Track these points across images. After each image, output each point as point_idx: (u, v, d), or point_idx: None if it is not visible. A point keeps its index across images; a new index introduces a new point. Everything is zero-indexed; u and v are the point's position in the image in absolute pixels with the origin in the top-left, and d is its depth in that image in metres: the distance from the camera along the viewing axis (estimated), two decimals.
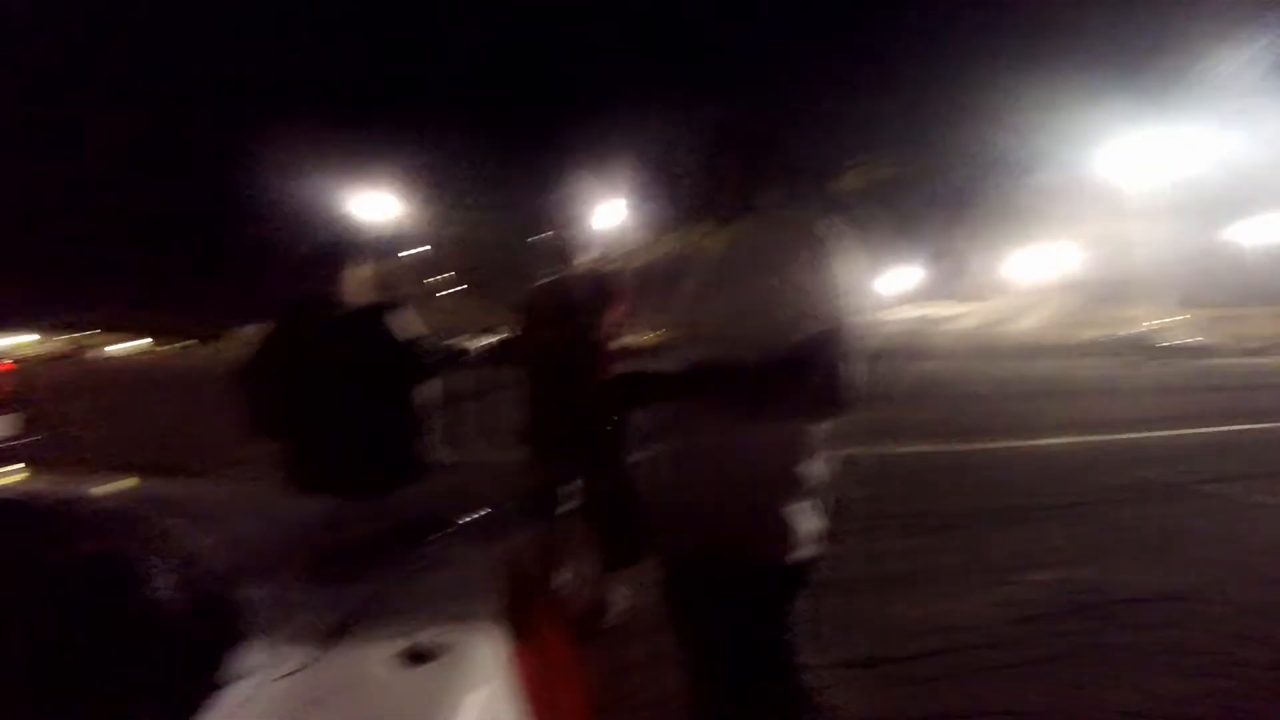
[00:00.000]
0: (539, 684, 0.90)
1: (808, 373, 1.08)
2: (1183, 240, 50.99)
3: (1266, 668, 2.26)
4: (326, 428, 2.17)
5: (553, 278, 2.73)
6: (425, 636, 0.86)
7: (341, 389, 2.17)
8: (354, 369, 2.19)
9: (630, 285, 2.83)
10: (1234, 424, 8.52)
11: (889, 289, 64.06)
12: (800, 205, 1.23)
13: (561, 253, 2.71)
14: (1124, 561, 3.41)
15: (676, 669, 1.33)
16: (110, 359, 64.43)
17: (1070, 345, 35.12)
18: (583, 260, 2.75)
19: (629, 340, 2.74)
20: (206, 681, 0.73)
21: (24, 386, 7.39)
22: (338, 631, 0.86)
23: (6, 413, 5.32)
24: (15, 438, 5.16)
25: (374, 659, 0.82)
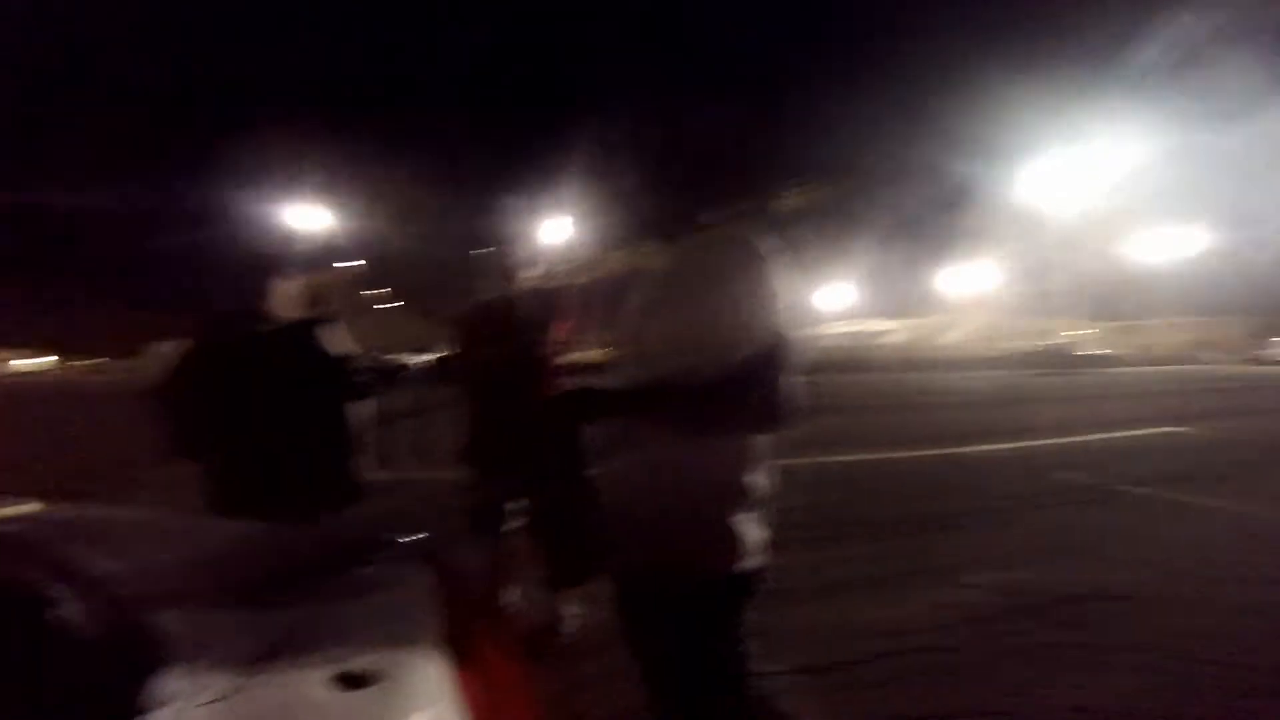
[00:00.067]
0: (485, 705, 0.86)
1: (751, 388, 1.10)
2: (1092, 257, 54.49)
3: (1197, 661, 2.36)
4: (252, 448, 2.06)
5: (494, 294, 2.68)
6: (360, 661, 0.81)
7: (268, 407, 2.07)
8: (282, 386, 2.09)
9: (574, 302, 2.81)
10: (1146, 429, 9.07)
11: (824, 306, 66.01)
12: (743, 224, 1.24)
13: (504, 268, 2.65)
14: (1056, 562, 3.55)
15: (630, 684, 1.31)
16: (10, 376, 59.91)
17: (993, 357, 36.85)
18: (526, 276, 2.71)
19: (573, 357, 2.71)
20: (119, 713, 0.67)
21: None
22: (264, 657, 0.80)
23: None
24: None
25: (304, 684, 0.76)
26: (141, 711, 0.68)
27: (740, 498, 1.18)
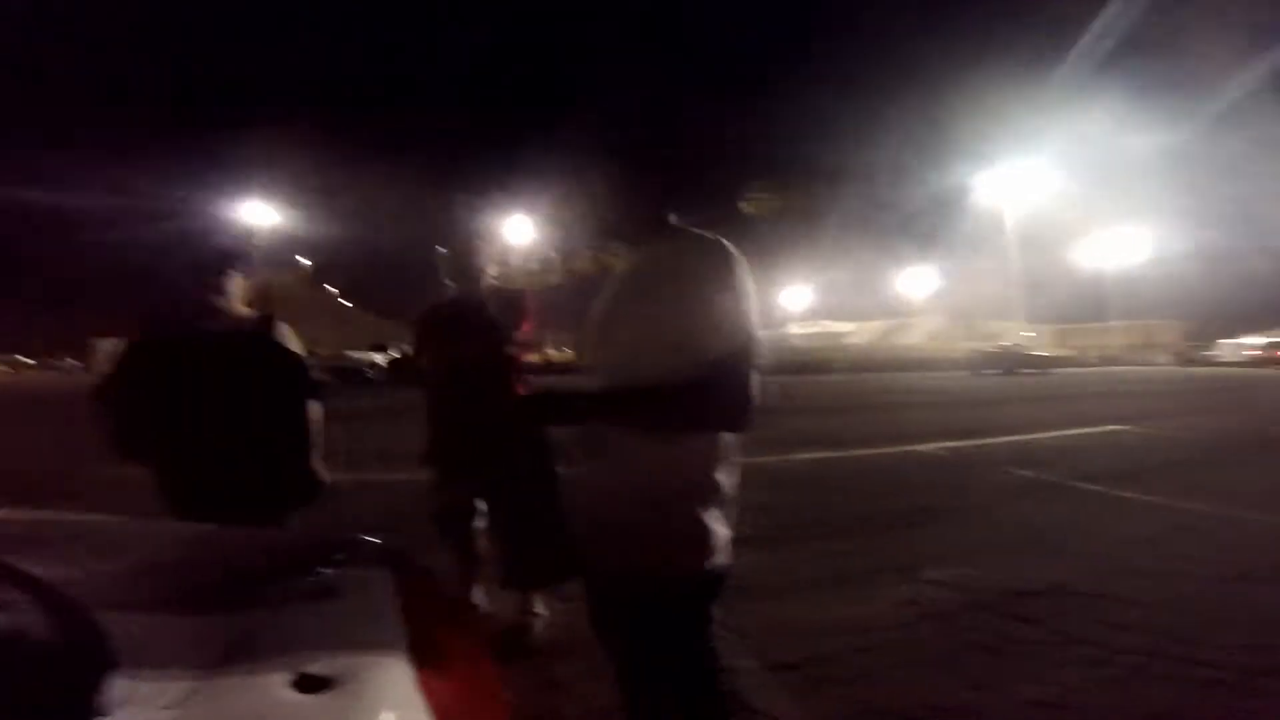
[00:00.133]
0: (451, 708, 0.84)
1: (719, 388, 1.10)
2: (1046, 261, 56.40)
3: (1148, 654, 2.43)
4: (204, 448, 1.99)
5: (459, 293, 2.63)
6: (321, 664, 0.78)
7: (219, 406, 2.00)
8: (233, 384, 2.02)
9: (540, 302, 2.78)
10: (1094, 427, 9.41)
11: (785, 307, 66.97)
12: (710, 227, 1.25)
13: (468, 267, 2.60)
14: (1012, 557, 3.64)
15: (603, 684, 1.31)
16: None
17: (950, 358, 37.82)
18: (491, 275, 2.67)
19: (540, 357, 2.69)
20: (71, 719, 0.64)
21: None
22: (221, 662, 0.77)
23: None
24: None
25: (263, 688, 0.73)
26: (98, 717, 0.65)
27: (709, 496, 1.19)
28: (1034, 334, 46.52)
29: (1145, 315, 56.12)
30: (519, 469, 2.50)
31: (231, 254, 2.16)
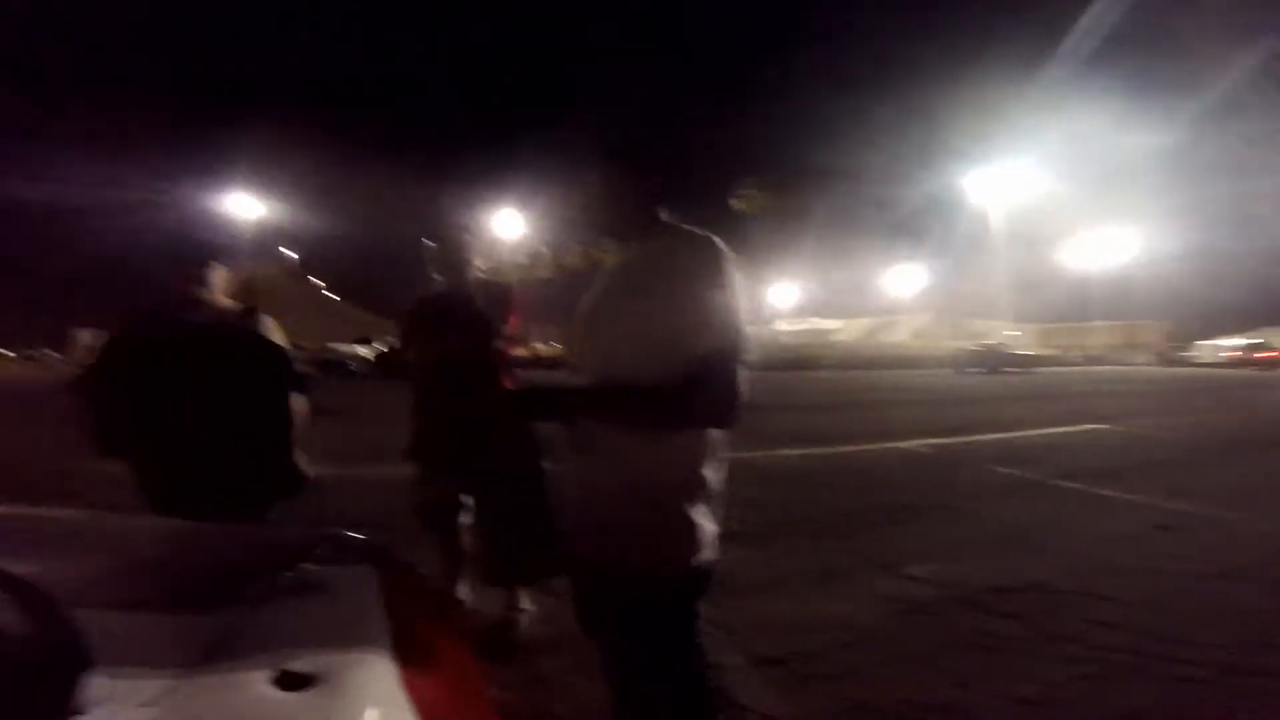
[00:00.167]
0: (435, 705, 0.83)
1: (706, 385, 1.10)
2: (1030, 260, 56.97)
3: (1128, 652, 2.47)
4: (186, 443, 1.96)
5: (446, 286, 2.60)
6: (303, 661, 0.77)
7: (199, 401, 1.97)
8: (214, 379, 1.99)
9: (528, 297, 2.76)
10: (1075, 426, 9.52)
11: (773, 305, 67.22)
12: (700, 223, 1.25)
13: (456, 260, 2.58)
14: (993, 554, 3.68)
15: (593, 680, 1.30)
16: None
17: (932, 357, 38.11)
18: (477, 270, 2.64)
19: (527, 352, 2.68)
20: (51, 715, 0.63)
21: None
22: (202, 659, 0.76)
23: None
24: None
25: (245, 685, 0.72)
26: (75, 715, 0.64)
27: (697, 492, 1.19)
28: (1018, 333, 46.96)
29: (1128, 316, 56.82)
30: (505, 464, 2.49)
31: (214, 245, 2.13)
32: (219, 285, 2.11)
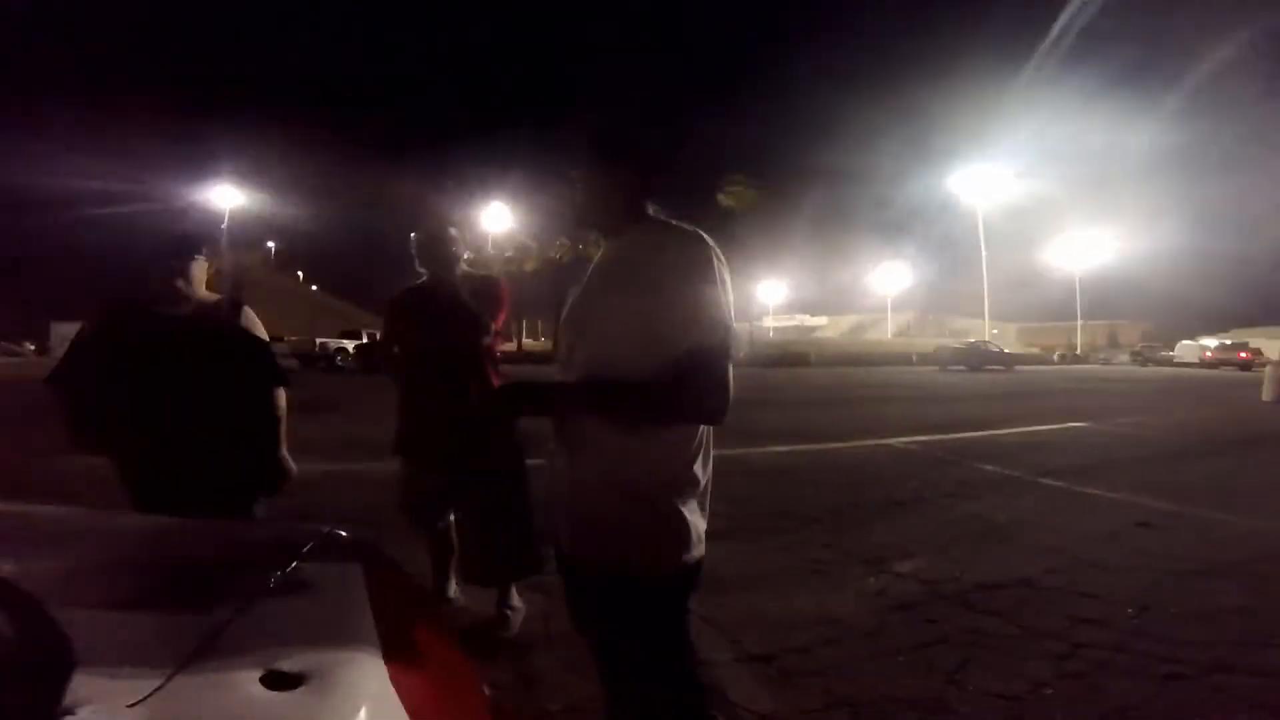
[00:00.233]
0: (424, 702, 0.82)
1: (693, 381, 1.10)
2: (1009, 261, 57.57)
3: (1110, 649, 2.49)
4: (163, 438, 1.92)
5: (432, 279, 2.57)
6: (291, 660, 0.76)
7: (180, 395, 1.94)
8: (195, 373, 1.96)
9: (514, 291, 2.74)
10: (1055, 424, 9.63)
11: (760, 301, 67.50)
12: (688, 219, 1.24)
13: (443, 253, 2.54)
14: (977, 551, 3.70)
15: (584, 676, 1.30)
16: None
17: (913, 354, 38.45)
18: (463, 263, 2.61)
19: (513, 346, 2.66)
20: (40, 717, 0.62)
21: None
22: (190, 657, 0.74)
23: None
24: None
25: (233, 684, 0.71)
26: (62, 715, 0.62)
27: (686, 489, 1.18)
28: (995, 331, 47.53)
29: (1110, 315, 57.70)
30: (490, 460, 2.47)
31: (196, 238, 2.10)
32: (200, 278, 2.08)
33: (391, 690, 0.78)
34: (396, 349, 2.66)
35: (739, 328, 1.17)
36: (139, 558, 1.10)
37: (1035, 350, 48.61)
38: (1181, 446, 7.83)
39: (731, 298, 1.15)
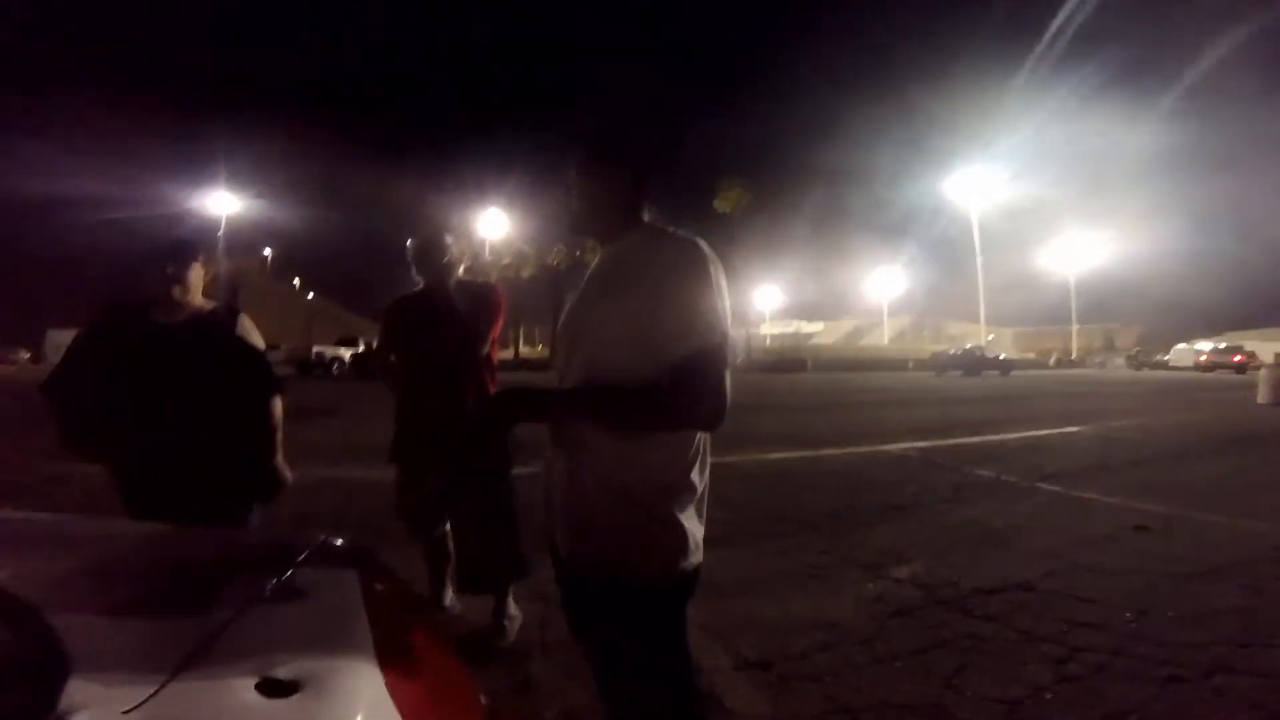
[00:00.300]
0: (424, 710, 0.82)
1: (690, 387, 1.10)
2: (1004, 265, 57.80)
3: (1108, 652, 2.48)
4: (158, 445, 1.91)
5: (428, 286, 2.57)
6: (286, 666, 0.75)
7: (175, 402, 1.93)
8: (190, 380, 1.95)
9: (511, 297, 2.73)
10: (1050, 429, 9.64)
11: (759, 307, 67.66)
12: (683, 225, 1.24)
13: (439, 260, 2.54)
14: (974, 555, 3.70)
15: (582, 683, 1.29)
16: None
17: (910, 359, 38.54)
18: (459, 270, 2.61)
19: (510, 353, 2.66)
20: None
21: None
22: (185, 664, 0.74)
23: None
24: None
25: (228, 691, 0.71)
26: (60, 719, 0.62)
27: (683, 495, 1.18)
28: (992, 336, 47.67)
29: (1106, 319, 57.89)
30: (484, 466, 2.47)
31: (192, 243, 2.09)
32: (197, 285, 2.07)
33: (387, 697, 0.77)
34: (393, 357, 2.66)
35: (736, 334, 1.17)
36: (135, 564, 1.10)
37: (1031, 355, 48.78)
38: (1177, 449, 7.84)
39: (728, 304, 1.15)
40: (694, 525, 1.19)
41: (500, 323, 2.60)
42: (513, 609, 2.60)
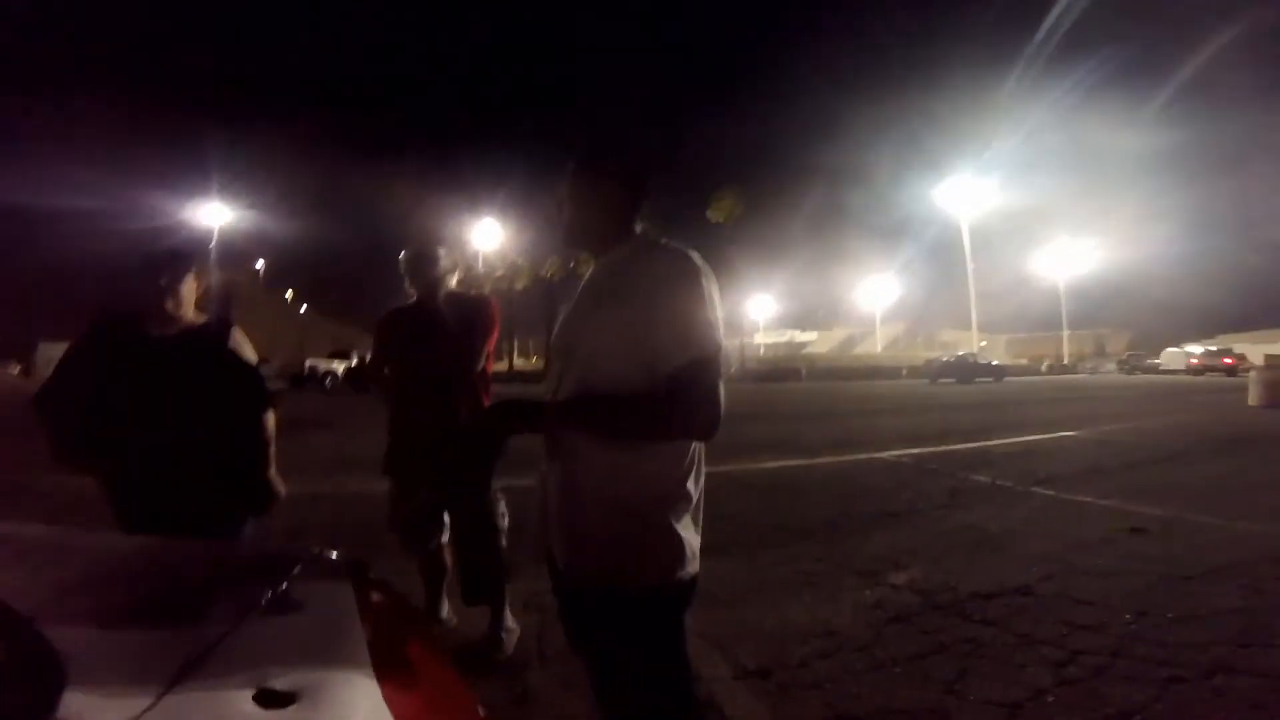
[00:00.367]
0: None
1: (685, 397, 1.10)
2: (996, 272, 58.19)
3: (1108, 654, 2.47)
4: (151, 458, 1.90)
5: (418, 299, 2.56)
6: (282, 679, 0.75)
7: (167, 415, 1.92)
8: (183, 393, 1.94)
9: (504, 309, 2.73)
10: (1043, 434, 9.69)
11: (752, 316, 67.90)
12: (676, 233, 1.25)
13: (431, 271, 2.53)
14: (971, 560, 3.70)
15: (580, 695, 1.28)
16: None
17: (903, 367, 38.66)
18: (451, 281, 2.60)
19: (505, 367, 2.66)
20: None
21: None
22: (179, 677, 0.73)
23: None
24: None
25: (222, 703, 0.70)
26: None
27: (679, 505, 1.18)
28: (984, 343, 47.90)
29: (1096, 324, 58.27)
30: (484, 479, 2.46)
31: (184, 254, 2.08)
32: (189, 297, 2.06)
33: (385, 709, 0.77)
34: (387, 370, 2.65)
35: (729, 344, 1.18)
36: (129, 577, 1.09)
37: (1024, 361, 49.03)
38: (1171, 451, 7.87)
39: (721, 314, 1.16)
40: (690, 535, 1.19)
41: (494, 336, 2.59)
42: (510, 620, 2.58)
